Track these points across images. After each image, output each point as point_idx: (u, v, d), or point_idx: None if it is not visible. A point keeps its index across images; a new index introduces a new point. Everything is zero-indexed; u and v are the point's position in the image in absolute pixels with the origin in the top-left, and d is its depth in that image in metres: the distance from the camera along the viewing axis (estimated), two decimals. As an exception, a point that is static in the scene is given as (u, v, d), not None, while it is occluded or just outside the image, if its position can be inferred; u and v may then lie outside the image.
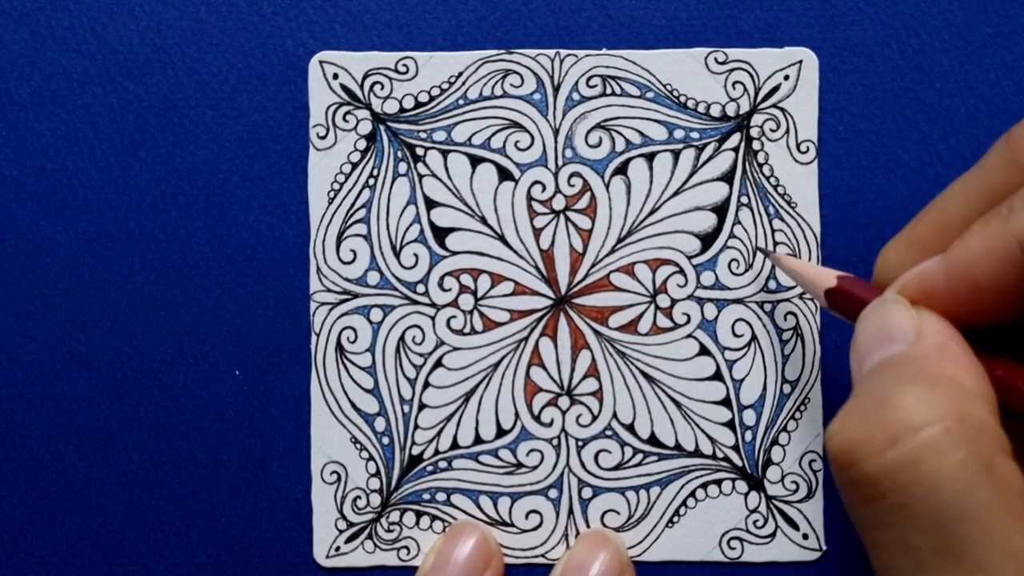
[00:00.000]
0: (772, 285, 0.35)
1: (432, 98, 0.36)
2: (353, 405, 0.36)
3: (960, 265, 0.26)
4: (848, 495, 0.24)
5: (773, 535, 0.35)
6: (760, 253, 0.35)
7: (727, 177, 0.36)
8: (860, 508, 0.24)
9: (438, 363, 0.36)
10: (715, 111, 0.36)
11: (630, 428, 0.35)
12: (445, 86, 0.36)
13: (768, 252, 0.35)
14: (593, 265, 0.36)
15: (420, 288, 0.36)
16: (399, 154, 0.36)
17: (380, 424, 0.36)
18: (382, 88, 0.36)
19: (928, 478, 0.23)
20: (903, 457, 0.23)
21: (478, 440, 0.36)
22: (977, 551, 0.23)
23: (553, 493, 0.36)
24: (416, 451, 0.36)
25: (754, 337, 0.35)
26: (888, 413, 0.24)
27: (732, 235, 0.35)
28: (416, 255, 0.36)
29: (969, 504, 0.23)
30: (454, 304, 0.36)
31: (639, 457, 0.35)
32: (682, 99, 0.36)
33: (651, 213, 0.36)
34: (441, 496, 0.36)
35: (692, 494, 0.35)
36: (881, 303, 0.27)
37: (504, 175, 0.36)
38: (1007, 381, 0.26)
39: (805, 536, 0.35)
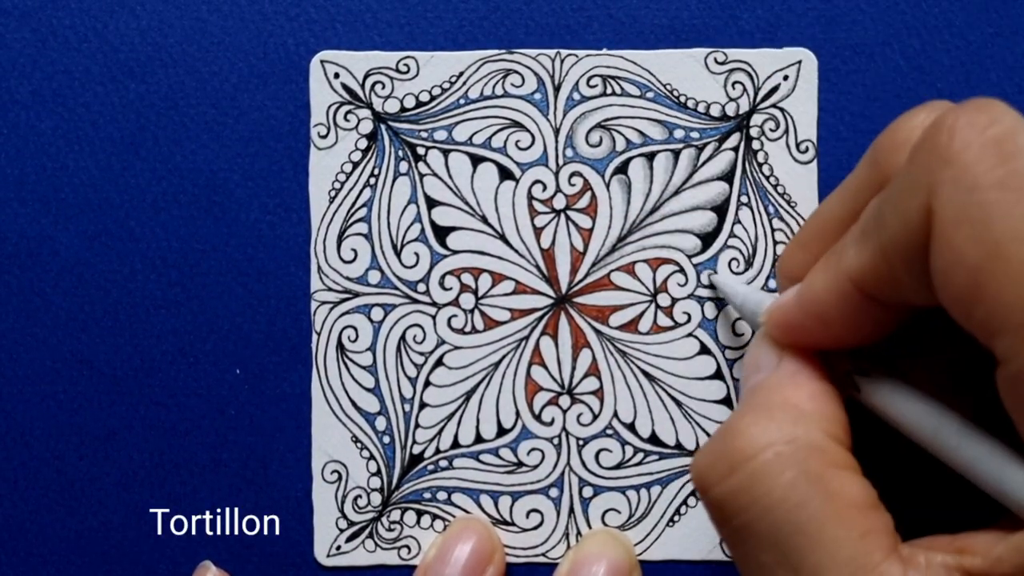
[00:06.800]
0: (772, 284, 0.35)
1: (433, 98, 0.36)
2: (354, 404, 0.36)
3: (808, 301, 0.28)
4: (711, 517, 0.27)
5: (774, 534, 0.35)
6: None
7: (727, 176, 0.36)
8: (717, 528, 0.27)
9: (439, 362, 0.36)
10: (715, 111, 0.36)
11: (631, 427, 0.36)
12: (446, 86, 0.36)
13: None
14: (594, 264, 0.36)
15: (421, 287, 0.36)
16: (400, 153, 0.36)
17: (381, 423, 0.36)
18: (383, 87, 0.36)
19: (761, 500, 0.25)
20: (739, 483, 0.26)
21: (479, 439, 0.36)
22: (811, 561, 0.25)
23: (554, 492, 0.36)
24: (417, 450, 0.36)
25: (755, 336, 0.35)
26: (728, 443, 0.26)
27: (732, 234, 0.36)
28: (417, 254, 0.36)
29: (800, 519, 0.25)
30: (455, 303, 0.36)
31: (640, 456, 0.36)
32: (682, 99, 0.36)
33: (651, 212, 0.36)
34: (442, 495, 0.36)
35: (693, 493, 0.35)
36: (758, 335, 0.30)
37: (505, 174, 0.36)
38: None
39: (805, 535, 0.35)
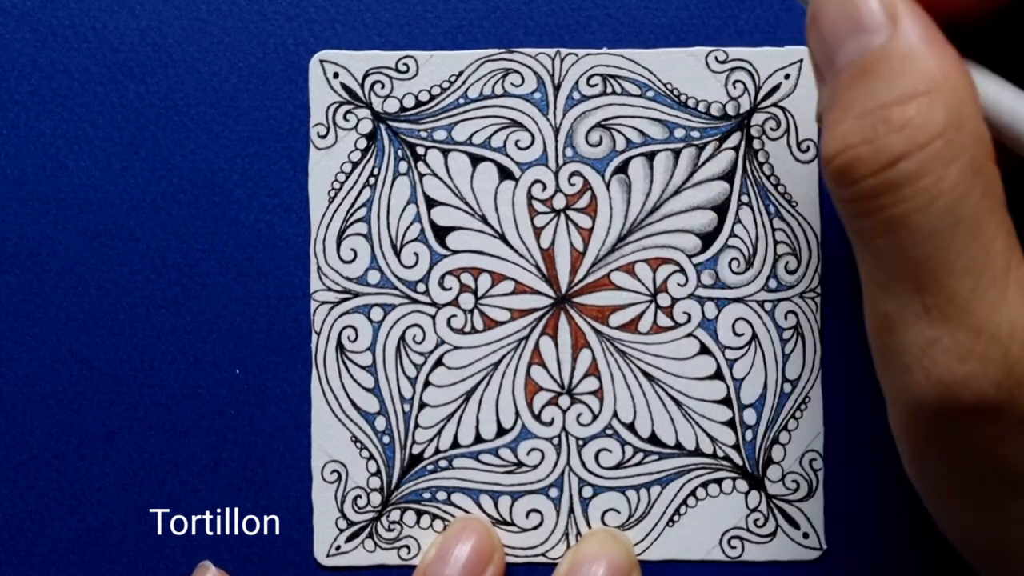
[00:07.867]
0: (772, 284, 0.35)
1: (432, 97, 0.36)
2: (353, 404, 0.36)
3: None
4: (847, 208, 0.25)
5: (773, 534, 0.35)
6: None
7: (727, 176, 0.36)
8: (859, 220, 0.25)
9: (438, 362, 0.36)
10: (715, 110, 0.36)
11: (630, 427, 0.35)
12: (445, 85, 0.36)
13: None
14: (593, 264, 0.36)
15: (420, 287, 0.36)
16: (399, 153, 0.36)
17: (380, 423, 0.36)
18: (383, 87, 0.36)
19: (929, 190, 0.24)
20: (909, 170, 0.24)
21: (478, 439, 0.36)
22: (967, 254, 0.24)
23: (553, 492, 0.36)
24: (416, 450, 0.36)
25: (754, 336, 0.35)
26: (893, 125, 0.24)
27: (733, 234, 0.35)
28: (416, 254, 0.36)
29: (962, 211, 0.24)
30: (454, 303, 0.36)
31: (639, 456, 0.35)
32: (682, 98, 0.36)
33: (651, 212, 0.36)
34: (442, 495, 0.36)
35: (692, 493, 0.35)
36: None
37: (505, 174, 0.36)
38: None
39: (805, 535, 0.35)
